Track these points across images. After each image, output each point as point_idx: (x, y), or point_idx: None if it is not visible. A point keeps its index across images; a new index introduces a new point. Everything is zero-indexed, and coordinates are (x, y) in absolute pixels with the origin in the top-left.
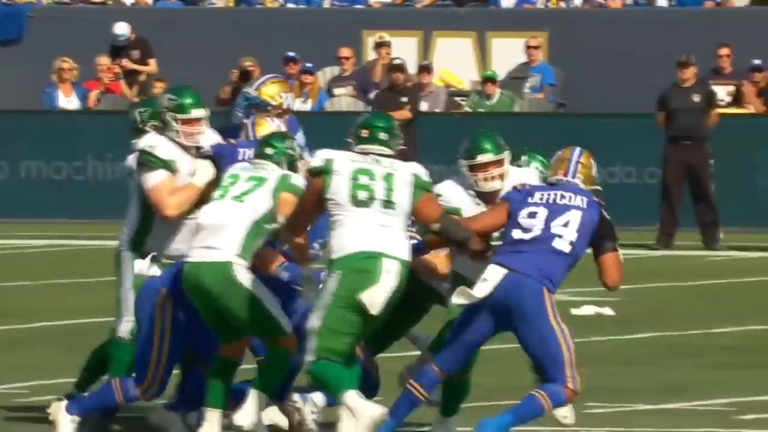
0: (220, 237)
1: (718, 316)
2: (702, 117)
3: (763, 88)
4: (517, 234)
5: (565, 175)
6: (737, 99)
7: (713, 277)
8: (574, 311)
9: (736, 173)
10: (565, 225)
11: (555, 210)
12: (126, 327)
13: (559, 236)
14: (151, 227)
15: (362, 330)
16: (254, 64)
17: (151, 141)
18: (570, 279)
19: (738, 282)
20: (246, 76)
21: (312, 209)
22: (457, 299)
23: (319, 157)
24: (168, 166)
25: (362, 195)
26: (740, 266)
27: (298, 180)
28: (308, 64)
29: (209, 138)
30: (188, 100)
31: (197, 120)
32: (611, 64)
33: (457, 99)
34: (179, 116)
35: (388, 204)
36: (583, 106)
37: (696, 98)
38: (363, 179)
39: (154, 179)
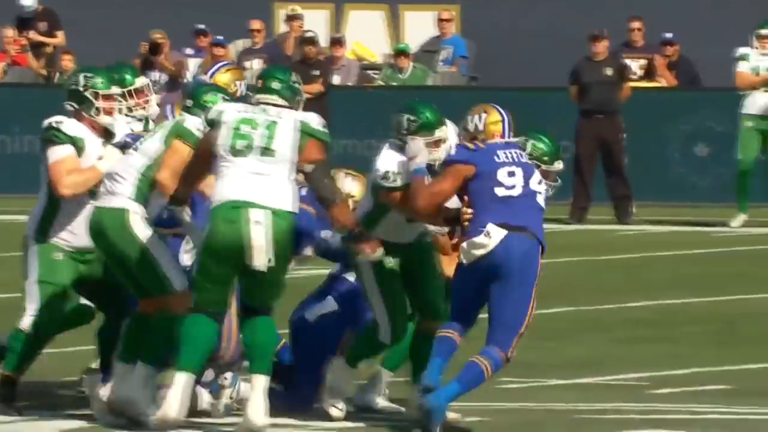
0: (116, 183)
1: (631, 290)
2: (614, 91)
3: (675, 61)
4: (501, 191)
5: (503, 136)
6: (649, 73)
7: (626, 251)
8: None
9: (648, 147)
10: (540, 182)
11: (526, 168)
12: (28, 321)
13: (539, 193)
14: (57, 213)
15: (245, 280)
16: (164, 36)
17: (60, 117)
18: None
19: (650, 256)
20: (155, 49)
21: (204, 161)
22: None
23: (213, 109)
24: (74, 142)
25: (240, 144)
26: (653, 240)
27: (194, 124)
28: (219, 37)
29: (122, 128)
30: (104, 77)
31: (112, 96)
32: (524, 38)
33: (370, 72)
34: (101, 92)
35: (265, 151)
36: (495, 79)
37: (608, 72)
38: (244, 128)
39: (57, 154)
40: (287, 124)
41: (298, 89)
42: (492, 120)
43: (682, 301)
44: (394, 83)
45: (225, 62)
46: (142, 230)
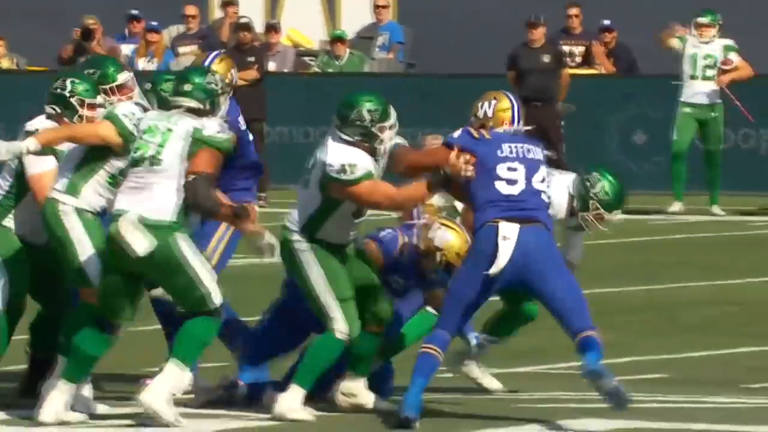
0: (58, 175)
1: None
2: (552, 78)
3: (613, 48)
4: (503, 188)
5: (512, 124)
6: (587, 60)
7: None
8: None
9: (586, 134)
10: (542, 181)
11: (530, 166)
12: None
13: (543, 191)
14: (16, 204)
15: (141, 284)
16: (96, 22)
17: (46, 125)
18: None
19: (588, 244)
20: (88, 35)
21: None
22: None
23: (139, 118)
24: (56, 154)
25: (137, 154)
26: None
27: (125, 111)
28: (153, 23)
29: None
30: (90, 85)
31: (96, 105)
32: (461, 23)
33: (306, 59)
34: (87, 101)
35: (154, 160)
36: (433, 65)
37: (546, 59)
38: (146, 137)
39: (41, 166)
40: (180, 131)
41: (213, 90)
42: (501, 107)
43: (620, 289)
44: (331, 70)
45: (218, 51)
46: (69, 221)
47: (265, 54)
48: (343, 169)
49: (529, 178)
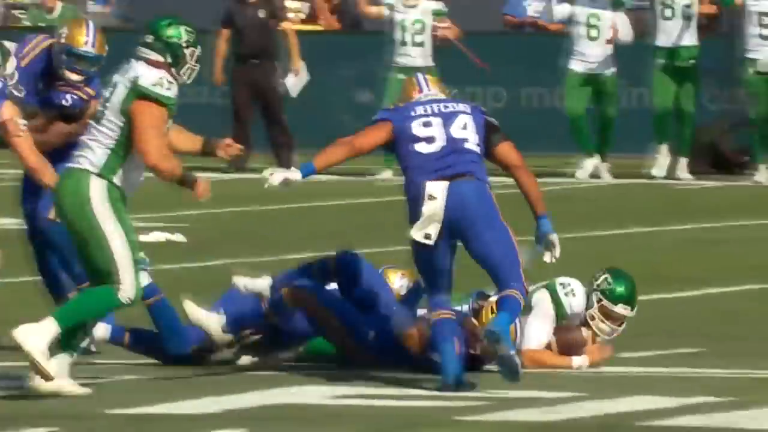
0: None
1: (291, 241)
2: (269, 34)
3: (337, 5)
4: (423, 147)
5: (421, 91)
6: (312, 16)
7: (287, 201)
8: (143, 238)
9: (310, 93)
10: (464, 128)
11: (447, 117)
12: None
13: (465, 139)
14: None
15: None
16: None
17: None
18: (139, 203)
19: (312, 206)
20: None
21: None
22: (419, 233)
23: None
24: None
25: None
26: (316, 190)
27: None
28: None
29: None
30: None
31: None
32: None
33: (16, 12)
34: None
35: None
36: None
37: (261, 14)
38: None
39: None
40: None
41: None
42: (407, 83)
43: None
44: (42, 24)
45: (94, 24)
46: None
47: None
48: (160, 82)
49: (447, 128)
